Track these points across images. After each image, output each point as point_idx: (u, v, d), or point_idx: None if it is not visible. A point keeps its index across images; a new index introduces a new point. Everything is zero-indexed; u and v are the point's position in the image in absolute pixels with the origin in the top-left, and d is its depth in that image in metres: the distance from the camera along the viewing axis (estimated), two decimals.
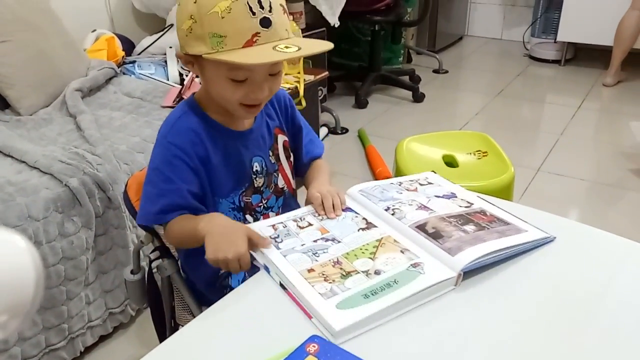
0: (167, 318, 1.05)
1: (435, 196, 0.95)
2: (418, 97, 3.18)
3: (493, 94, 3.32)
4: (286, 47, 0.78)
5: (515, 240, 0.81)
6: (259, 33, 0.78)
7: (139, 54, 2.36)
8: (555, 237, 0.85)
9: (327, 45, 0.87)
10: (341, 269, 0.76)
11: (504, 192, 1.49)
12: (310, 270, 0.75)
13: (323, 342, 0.64)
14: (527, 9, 4.15)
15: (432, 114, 3.06)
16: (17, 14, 1.77)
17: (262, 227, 0.85)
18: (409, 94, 3.21)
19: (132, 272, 1.03)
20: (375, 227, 0.86)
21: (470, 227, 0.84)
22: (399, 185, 0.99)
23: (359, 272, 0.75)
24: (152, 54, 2.32)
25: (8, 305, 0.47)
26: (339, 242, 0.82)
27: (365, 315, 0.67)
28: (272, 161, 0.96)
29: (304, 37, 2.25)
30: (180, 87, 1.93)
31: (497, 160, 1.64)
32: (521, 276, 0.78)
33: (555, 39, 3.69)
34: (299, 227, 0.86)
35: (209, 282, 0.95)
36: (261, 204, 0.95)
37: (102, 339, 1.50)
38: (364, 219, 0.88)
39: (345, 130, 2.82)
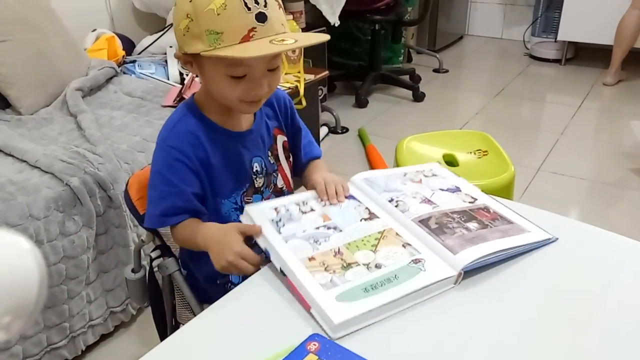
0: (168, 317, 1.05)
1: (440, 189, 0.94)
2: (418, 97, 3.18)
3: (493, 93, 3.32)
4: (282, 40, 0.79)
5: (518, 241, 0.81)
6: (255, 28, 0.78)
7: (139, 53, 2.36)
8: (557, 238, 0.84)
9: (323, 37, 0.87)
10: (342, 259, 0.75)
11: (505, 191, 1.49)
12: (311, 259, 0.75)
13: (323, 341, 0.64)
14: (527, 8, 4.15)
15: (432, 114, 3.06)
16: (17, 13, 1.77)
17: (264, 208, 0.85)
18: (409, 93, 3.21)
19: (133, 270, 1.03)
20: (378, 218, 0.85)
21: (473, 225, 0.83)
22: (404, 175, 0.98)
23: (359, 265, 0.75)
24: (153, 54, 2.33)
25: (12, 306, 0.47)
26: (341, 231, 0.81)
27: (365, 310, 0.67)
28: (272, 161, 0.96)
29: None
30: (181, 86, 1.93)
31: (498, 159, 1.64)
32: (522, 275, 0.78)
33: (556, 38, 3.69)
34: (302, 211, 0.85)
35: (210, 278, 0.95)
36: None
37: (103, 337, 1.51)
38: (366, 208, 0.87)
39: (345, 130, 2.82)
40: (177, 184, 0.85)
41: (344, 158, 2.52)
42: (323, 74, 2.37)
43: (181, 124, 0.88)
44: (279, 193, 0.98)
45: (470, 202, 0.91)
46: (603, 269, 0.79)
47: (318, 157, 1.05)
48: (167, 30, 2.37)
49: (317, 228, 0.82)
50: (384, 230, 0.82)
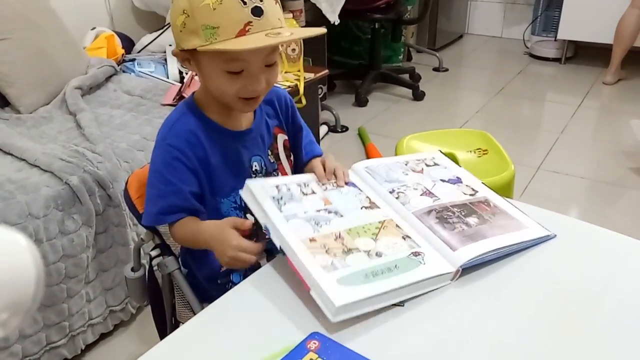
0: (168, 315, 1.05)
1: (441, 180, 0.94)
2: (418, 95, 3.18)
3: (493, 92, 3.32)
4: (279, 34, 0.79)
5: (517, 237, 0.81)
6: (251, 22, 0.78)
7: (139, 52, 2.36)
8: (555, 235, 0.85)
9: (319, 30, 0.87)
10: (343, 244, 0.75)
11: (505, 190, 1.49)
12: (312, 240, 0.74)
13: (324, 339, 0.64)
14: (527, 7, 4.14)
15: (432, 112, 3.06)
16: (17, 12, 1.77)
17: (265, 185, 0.84)
18: (409, 92, 3.21)
19: (132, 269, 1.03)
20: (378, 208, 0.85)
21: (473, 220, 0.83)
22: (405, 164, 0.98)
23: (360, 251, 0.74)
24: (152, 52, 2.32)
25: (9, 303, 0.47)
26: (342, 216, 0.81)
27: (366, 296, 0.67)
28: (272, 160, 0.96)
29: None
30: (180, 85, 1.93)
31: (498, 158, 1.64)
32: (522, 274, 0.78)
33: (556, 37, 3.69)
34: (303, 193, 0.84)
35: (210, 277, 0.95)
36: None
37: (103, 336, 1.51)
38: (367, 197, 0.87)
39: (345, 129, 2.82)
40: (175, 182, 0.85)
41: (343, 157, 2.52)
42: (323, 72, 2.37)
43: (180, 122, 0.88)
44: None
45: (470, 195, 0.91)
46: (602, 268, 0.79)
47: (319, 156, 1.05)
48: (166, 29, 2.37)
49: (318, 211, 0.81)
50: (385, 221, 0.82)
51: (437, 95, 3.28)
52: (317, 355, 0.62)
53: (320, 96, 2.54)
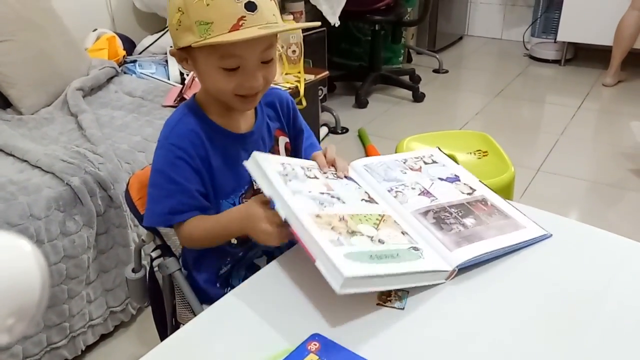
0: (168, 317, 1.05)
1: (439, 179, 0.94)
2: (418, 97, 3.18)
3: (493, 93, 3.33)
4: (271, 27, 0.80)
5: (513, 238, 0.82)
6: (245, 17, 0.78)
7: (140, 53, 2.36)
8: (551, 234, 0.85)
9: (313, 23, 0.89)
10: (347, 226, 0.75)
11: (504, 191, 1.50)
12: (317, 216, 0.74)
13: (324, 341, 0.64)
14: (527, 8, 4.15)
15: (432, 114, 3.06)
16: (18, 13, 1.77)
17: (272, 161, 0.82)
18: (409, 93, 3.22)
19: (133, 270, 1.04)
20: (377, 203, 0.85)
21: (469, 221, 0.84)
22: (404, 162, 0.98)
23: (363, 235, 0.74)
24: (153, 54, 2.33)
25: (14, 309, 0.48)
26: (344, 202, 0.80)
27: (372, 273, 0.67)
28: None
29: (303, 36, 2.25)
30: (181, 86, 1.94)
31: (498, 160, 1.64)
32: (522, 276, 0.78)
33: (555, 38, 3.70)
34: (307, 175, 0.84)
35: (210, 280, 0.95)
36: None
37: (103, 337, 1.51)
38: (366, 192, 0.87)
39: (345, 130, 2.82)
40: (182, 181, 0.85)
41: (344, 158, 2.52)
42: (323, 74, 2.37)
43: (182, 123, 0.88)
44: None
45: (468, 194, 0.91)
46: (602, 270, 0.79)
47: None
48: (167, 30, 2.37)
49: (322, 193, 0.80)
50: (384, 215, 0.82)
51: (437, 96, 3.29)
52: (317, 357, 0.62)
53: (320, 98, 2.54)
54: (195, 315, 0.80)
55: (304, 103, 2.14)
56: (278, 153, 0.98)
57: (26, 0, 1.82)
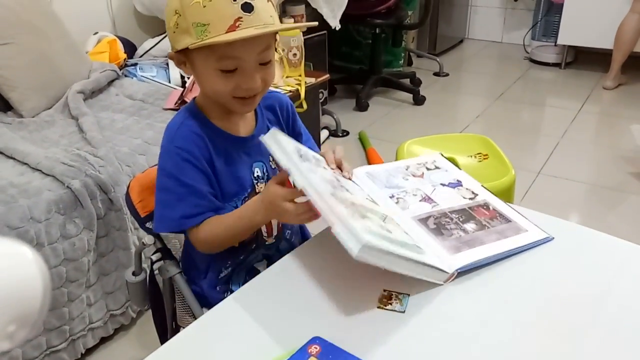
0: (168, 320, 1.05)
1: (441, 184, 0.95)
2: (419, 100, 3.19)
3: (493, 97, 3.33)
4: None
5: (514, 242, 0.82)
6: (241, 18, 0.78)
7: (141, 56, 2.37)
8: (553, 237, 0.85)
9: (311, 23, 0.90)
10: (359, 210, 0.75)
11: (505, 194, 1.50)
12: (332, 194, 0.74)
13: (325, 344, 0.64)
14: (527, 12, 4.16)
15: (433, 117, 3.06)
16: (20, 16, 1.78)
17: (289, 139, 0.82)
18: (409, 96, 3.22)
19: (133, 273, 1.03)
20: (379, 206, 0.86)
21: (470, 226, 0.85)
22: (406, 169, 0.99)
23: (373, 221, 0.74)
24: (154, 57, 2.33)
25: (16, 315, 0.48)
26: (352, 194, 0.81)
27: (387, 249, 0.67)
28: (273, 167, 0.96)
29: (304, 39, 2.26)
30: (182, 89, 1.94)
31: (498, 163, 1.64)
32: (522, 279, 0.78)
33: (556, 42, 3.70)
34: (318, 164, 0.84)
35: (210, 285, 0.95)
36: None
37: (103, 340, 1.51)
38: (369, 195, 0.88)
39: (346, 133, 2.83)
40: (192, 183, 0.85)
41: (349, 162, 2.52)
42: (324, 77, 2.37)
43: (185, 125, 0.87)
44: None
45: (470, 199, 0.92)
46: (603, 273, 0.79)
47: None
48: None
49: (332, 180, 0.81)
50: (387, 216, 0.83)
51: (437, 100, 3.29)
52: None
53: (321, 101, 2.55)
54: (195, 319, 0.80)
55: (305, 106, 2.14)
56: None
57: (27, 4, 1.83)
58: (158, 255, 0.98)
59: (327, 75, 2.42)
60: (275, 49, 2.18)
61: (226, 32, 0.78)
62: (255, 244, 0.94)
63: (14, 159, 1.46)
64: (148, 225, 0.98)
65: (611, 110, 3.17)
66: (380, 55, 3.24)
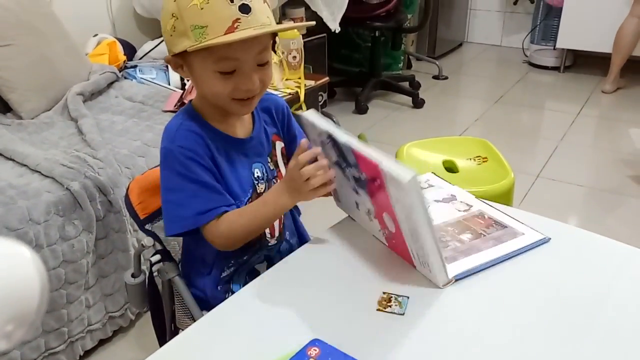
0: (167, 322, 1.05)
1: (435, 201, 0.96)
2: (418, 103, 3.19)
3: (493, 100, 3.33)
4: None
5: (510, 247, 0.84)
6: (239, 19, 0.78)
7: (141, 58, 2.37)
8: (550, 238, 0.86)
9: (308, 23, 0.92)
10: None
11: (504, 197, 1.50)
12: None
13: (324, 346, 0.64)
14: (526, 15, 4.17)
15: (432, 120, 3.07)
16: (19, 18, 1.78)
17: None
18: (409, 99, 3.22)
19: (132, 275, 1.03)
20: None
21: (466, 236, 0.86)
22: None
23: None
24: (154, 59, 2.33)
25: (14, 315, 0.48)
26: None
27: (426, 204, 0.70)
28: (271, 168, 0.96)
29: (304, 42, 2.26)
30: (182, 91, 1.94)
31: (497, 166, 1.64)
32: (522, 281, 0.78)
33: (555, 45, 3.71)
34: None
35: (212, 284, 0.95)
36: None
37: (102, 342, 1.50)
38: None
39: None
40: (201, 179, 0.84)
41: None
42: (323, 80, 2.38)
43: (184, 126, 0.87)
44: None
45: (465, 211, 0.93)
46: (602, 275, 0.79)
47: None
48: None
49: None
50: None
51: (436, 103, 3.29)
52: None
53: (320, 103, 2.55)
54: (194, 321, 0.80)
55: (304, 109, 2.15)
56: (275, 158, 0.98)
57: (27, 5, 1.83)
58: (157, 257, 0.98)
59: (327, 78, 2.42)
60: (275, 52, 2.19)
61: (225, 34, 0.78)
62: (259, 245, 0.94)
63: (13, 160, 1.46)
64: (147, 227, 0.98)
65: (610, 113, 3.18)
66: (380, 58, 3.25)
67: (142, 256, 1.03)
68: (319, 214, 1.09)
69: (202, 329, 0.72)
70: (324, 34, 2.69)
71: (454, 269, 0.78)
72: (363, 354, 0.64)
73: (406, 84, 3.40)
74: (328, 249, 0.88)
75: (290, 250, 0.98)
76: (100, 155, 1.48)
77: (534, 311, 0.73)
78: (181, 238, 0.99)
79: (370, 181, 0.76)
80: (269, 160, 0.96)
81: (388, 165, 0.69)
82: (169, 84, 2.12)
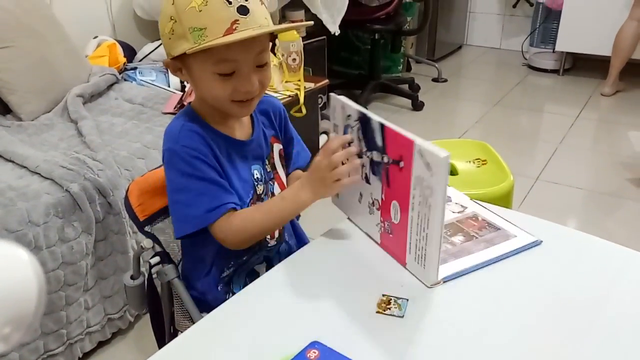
0: (166, 324, 1.05)
1: None
2: (417, 106, 3.19)
3: (492, 103, 3.34)
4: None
5: (502, 249, 0.84)
6: (238, 20, 0.78)
7: (140, 60, 2.37)
8: (541, 241, 0.86)
9: (306, 23, 0.94)
10: None
11: (503, 200, 1.50)
12: None
13: (324, 349, 0.64)
14: (525, 19, 4.18)
15: (431, 123, 3.07)
16: (20, 20, 1.78)
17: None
18: (408, 102, 3.23)
19: (132, 277, 1.03)
20: None
21: (458, 239, 0.87)
22: None
23: None
24: (154, 61, 2.33)
25: (11, 317, 0.47)
26: None
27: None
28: (268, 170, 0.96)
29: (304, 45, 2.26)
30: (182, 93, 1.94)
31: (497, 168, 1.64)
32: (520, 284, 0.78)
33: (554, 48, 3.72)
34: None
35: (211, 287, 0.95)
36: None
37: (101, 344, 1.50)
38: None
39: None
40: (208, 177, 0.84)
41: None
42: (323, 82, 2.38)
43: (186, 127, 0.86)
44: None
45: (459, 212, 0.94)
46: (601, 278, 0.79)
47: (302, 167, 1.05)
48: None
49: None
50: None
51: (436, 105, 3.30)
52: None
53: (320, 106, 2.55)
54: (193, 323, 0.80)
55: (304, 111, 2.15)
56: (273, 160, 0.98)
57: (27, 7, 1.83)
58: (156, 259, 0.98)
59: (326, 81, 2.42)
60: (275, 54, 2.19)
61: (223, 36, 0.78)
62: (258, 246, 0.94)
63: (12, 162, 1.46)
64: (147, 229, 0.98)
65: (609, 116, 3.18)
66: (379, 61, 3.25)
67: (141, 258, 1.03)
68: (318, 217, 1.09)
69: (201, 330, 0.72)
70: (324, 37, 2.69)
71: (442, 271, 0.78)
72: (362, 356, 0.64)
73: (406, 87, 3.41)
74: (328, 252, 0.88)
75: (289, 251, 0.99)
76: (100, 157, 1.48)
77: (534, 314, 0.73)
78: (179, 240, 0.99)
79: (393, 164, 0.78)
80: (267, 162, 0.96)
81: (423, 142, 0.72)
82: (169, 86, 2.12)
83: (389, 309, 0.73)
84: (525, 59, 4.06)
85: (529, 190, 2.31)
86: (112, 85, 2.03)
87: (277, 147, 1.00)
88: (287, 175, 1.03)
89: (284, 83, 2.21)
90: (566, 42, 3.62)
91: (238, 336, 0.70)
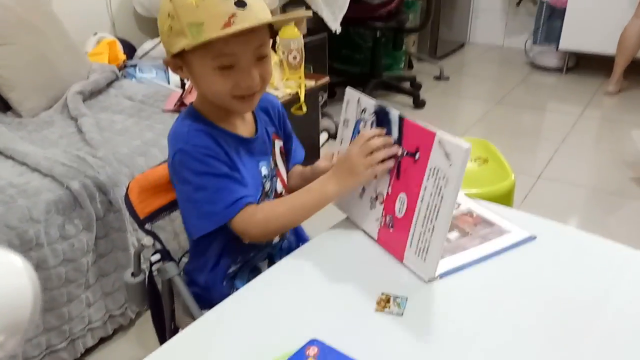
0: (167, 321, 1.05)
1: None
2: (419, 104, 3.19)
3: (494, 101, 3.33)
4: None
5: (496, 245, 0.85)
6: (235, 14, 0.77)
7: (140, 57, 2.37)
8: (535, 237, 0.86)
9: (305, 13, 0.89)
10: None
11: (505, 199, 1.50)
12: None
13: (323, 346, 0.64)
14: (529, 17, 4.16)
15: (433, 121, 3.01)
16: (20, 17, 1.78)
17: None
18: (410, 100, 3.22)
19: (132, 274, 1.03)
20: None
21: (453, 235, 0.87)
22: None
23: None
24: (154, 58, 2.33)
25: (6, 324, 0.47)
26: None
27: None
28: (272, 166, 0.96)
29: (305, 42, 2.26)
30: (182, 91, 1.94)
31: (498, 167, 1.64)
32: (520, 282, 0.78)
33: (557, 47, 3.70)
34: None
35: (217, 282, 0.95)
36: None
37: (102, 340, 1.51)
38: None
39: None
40: (224, 173, 0.83)
41: None
42: (324, 80, 2.37)
43: (194, 127, 0.86)
44: (279, 197, 0.98)
45: (454, 209, 0.93)
46: (602, 277, 0.79)
47: (300, 162, 1.06)
48: None
49: None
50: None
51: (438, 103, 3.29)
52: None
53: (321, 103, 2.55)
54: (194, 320, 0.80)
55: (305, 109, 2.14)
56: (275, 157, 0.98)
57: (27, 4, 1.83)
58: (157, 256, 0.98)
59: (327, 78, 2.41)
60: (275, 51, 2.19)
61: (221, 29, 0.77)
62: (266, 242, 0.95)
63: (13, 159, 1.46)
64: (147, 226, 0.98)
65: (612, 115, 3.17)
66: (381, 59, 3.25)
67: (141, 255, 1.03)
68: (318, 215, 1.09)
69: (201, 327, 0.72)
70: (325, 34, 2.68)
71: (439, 267, 0.78)
72: (361, 354, 0.64)
73: (407, 85, 3.40)
74: (328, 250, 0.88)
75: (290, 248, 0.99)
76: (100, 154, 1.48)
77: (533, 312, 0.72)
78: (180, 238, 0.99)
79: (408, 156, 0.79)
80: (270, 159, 0.96)
81: (444, 134, 0.73)
82: (169, 84, 2.12)
83: (388, 307, 0.73)
84: (528, 57, 4.04)
85: (531, 189, 2.31)
86: (112, 82, 2.03)
87: (278, 143, 1.00)
88: (287, 171, 1.03)
89: (285, 81, 2.20)
90: (570, 41, 3.60)
91: (238, 333, 0.70)
